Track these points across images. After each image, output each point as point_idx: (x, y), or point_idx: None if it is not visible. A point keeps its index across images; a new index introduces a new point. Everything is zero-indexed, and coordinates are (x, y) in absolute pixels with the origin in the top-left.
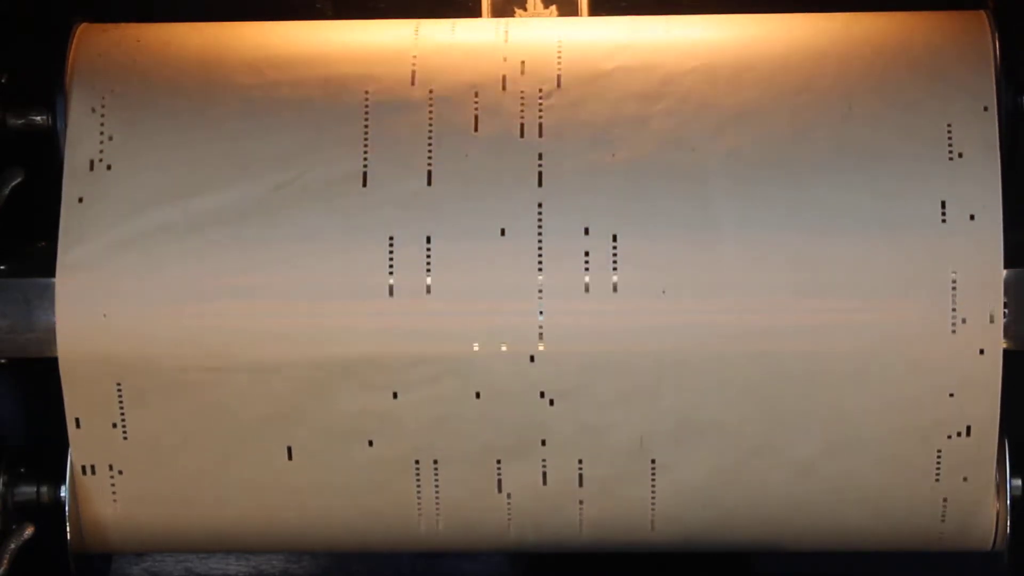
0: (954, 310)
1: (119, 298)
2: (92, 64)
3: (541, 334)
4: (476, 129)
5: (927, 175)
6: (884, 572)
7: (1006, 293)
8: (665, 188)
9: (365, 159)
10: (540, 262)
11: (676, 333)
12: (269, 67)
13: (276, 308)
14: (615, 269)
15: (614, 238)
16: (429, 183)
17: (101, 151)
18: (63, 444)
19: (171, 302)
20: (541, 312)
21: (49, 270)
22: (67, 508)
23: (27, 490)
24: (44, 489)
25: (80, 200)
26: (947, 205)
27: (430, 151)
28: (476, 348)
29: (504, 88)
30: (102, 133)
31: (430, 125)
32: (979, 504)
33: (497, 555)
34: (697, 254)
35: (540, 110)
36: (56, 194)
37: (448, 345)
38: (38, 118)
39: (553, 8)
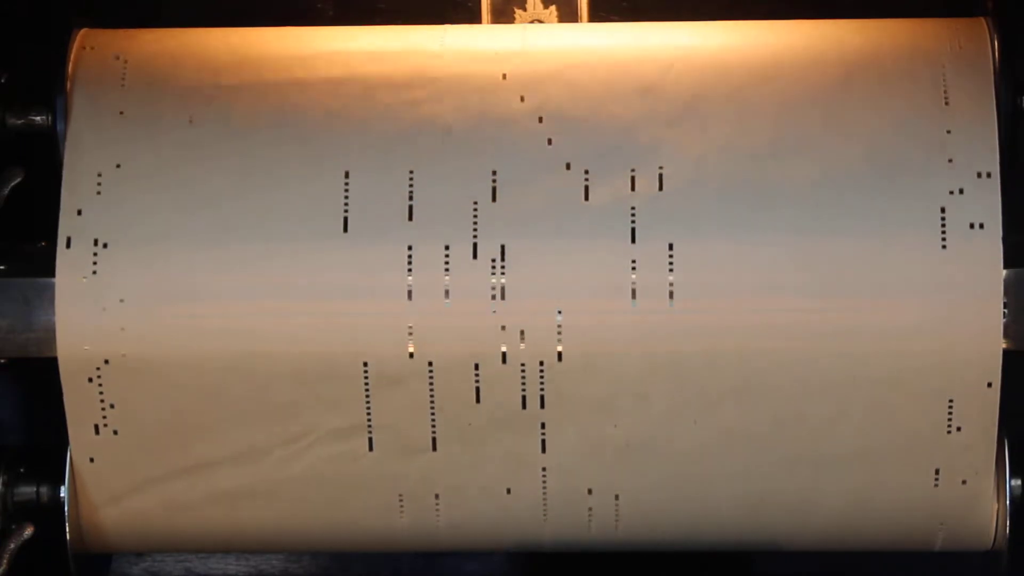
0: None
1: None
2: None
3: None
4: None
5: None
6: (884, 572)
7: (1006, 293)
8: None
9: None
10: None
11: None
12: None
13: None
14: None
15: (616, 497)
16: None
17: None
18: (63, 444)
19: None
20: None
21: (49, 270)
22: (67, 508)
23: (27, 490)
24: (44, 489)
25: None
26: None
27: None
28: None
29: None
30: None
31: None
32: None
33: (497, 555)
34: None
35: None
36: (56, 194)
37: None
38: (38, 118)
39: (553, 8)
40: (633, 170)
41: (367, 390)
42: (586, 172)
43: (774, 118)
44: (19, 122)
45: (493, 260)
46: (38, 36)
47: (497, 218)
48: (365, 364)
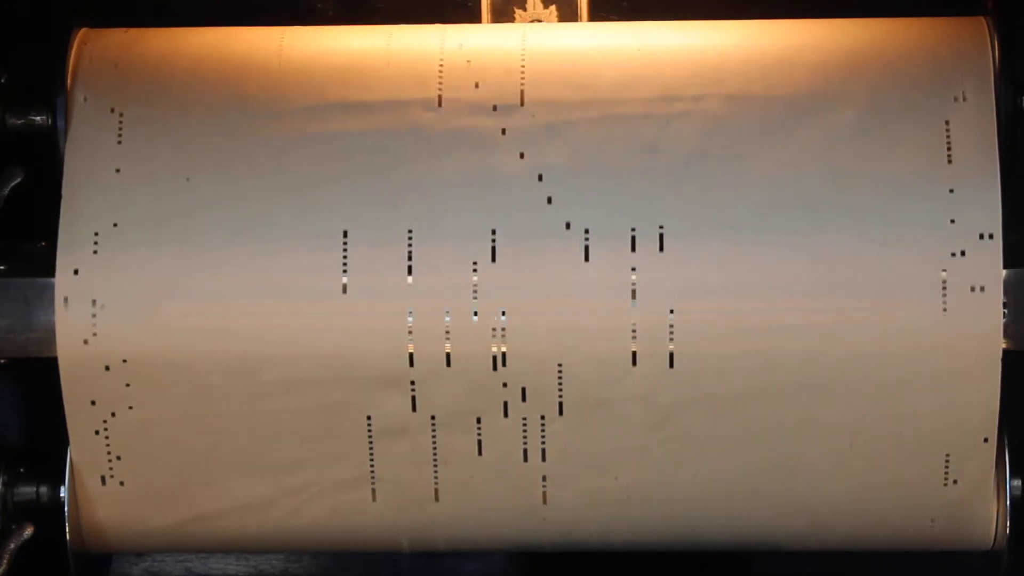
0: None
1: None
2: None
3: None
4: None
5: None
6: (884, 572)
7: (1006, 293)
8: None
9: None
10: None
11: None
12: None
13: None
14: None
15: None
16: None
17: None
18: (63, 444)
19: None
20: None
21: (49, 270)
22: (67, 508)
23: (27, 490)
24: (44, 489)
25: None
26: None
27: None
28: None
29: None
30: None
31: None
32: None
33: (497, 555)
34: None
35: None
36: (56, 194)
37: None
38: (38, 118)
39: (553, 8)
40: (633, 230)
41: (371, 443)
42: (586, 232)
43: (774, 177)
44: (19, 122)
45: (493, 328)
46: (38, 36)
47: (497, 279)
48: (369, 418)
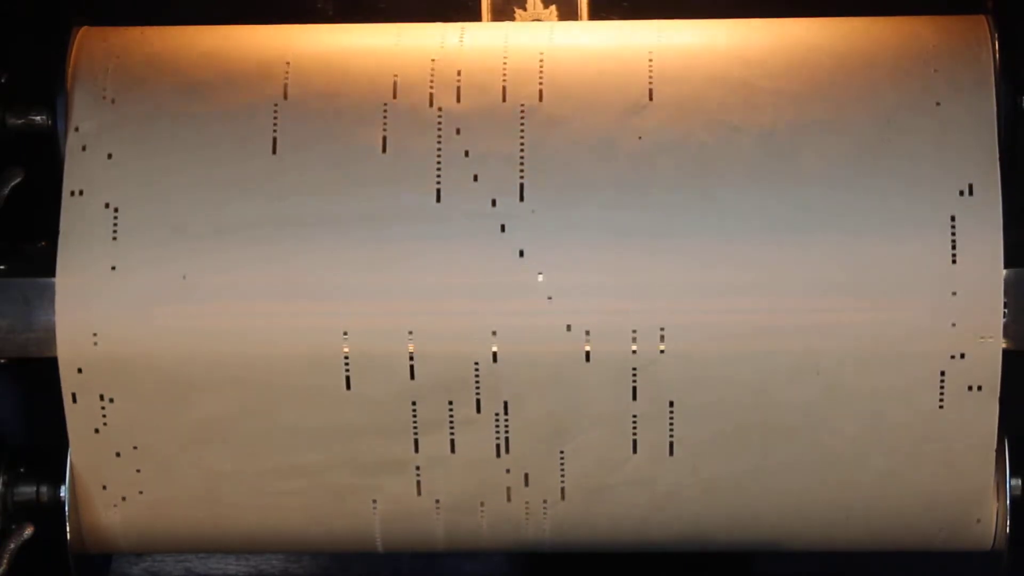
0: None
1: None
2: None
3: None
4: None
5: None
6: (884, 572)
7: (1006, 293)
8: None
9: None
10: None
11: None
12: None
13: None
14: None
15: None
16: None
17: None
18: (63, 444)
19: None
20: None
21: (49, 270)
22: (67, 508)
23: (27, 490)
24: (44, 489)
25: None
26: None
27: None
28: None
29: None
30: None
31: None
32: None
33: (497, 555)
34: None
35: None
36: (56, 194)
37: None
38: (38, 118)
39: (553, 8)
40: (634, 331)
41: (375, 510)
42: (587, 333)
43: (771, 288)
44: (19, 122)
45: (496, 415)
46: (38, 36)
47: (499, 378)
48: (374, 500)
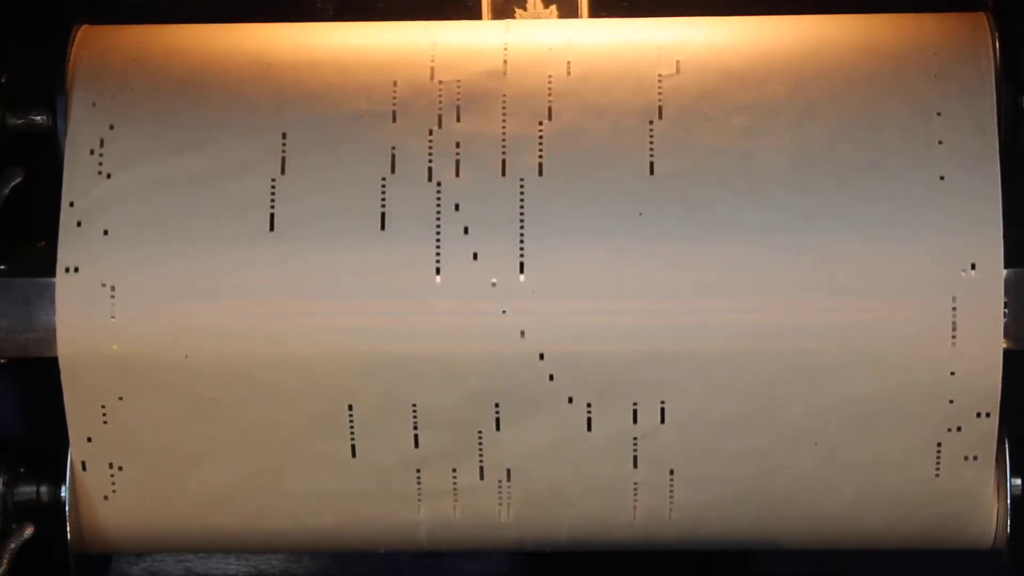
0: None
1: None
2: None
3: None
4: None
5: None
6: (884, 572)
7: (1006, 293)
8: None
9: None
10: None
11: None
12: None
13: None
14: None
15: None
16: None
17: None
18: (63, 444)
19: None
20: None
21: (49, 270)
22: (67, 508)
23: (27, 490)
24: (44, 489)
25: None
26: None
27: None
28: None
29: None
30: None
31: None
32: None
33: (497, 555)
34: None
35: None
36: (56, 194)
37: None
38: (38, 118)
39: (553, 8)
40: (635, 404)
41: None
42: (588, 406)
43: (770, 369)
44: (19, 122)
45: (500, 482)
46: (38, 36)
47: (502, 446)
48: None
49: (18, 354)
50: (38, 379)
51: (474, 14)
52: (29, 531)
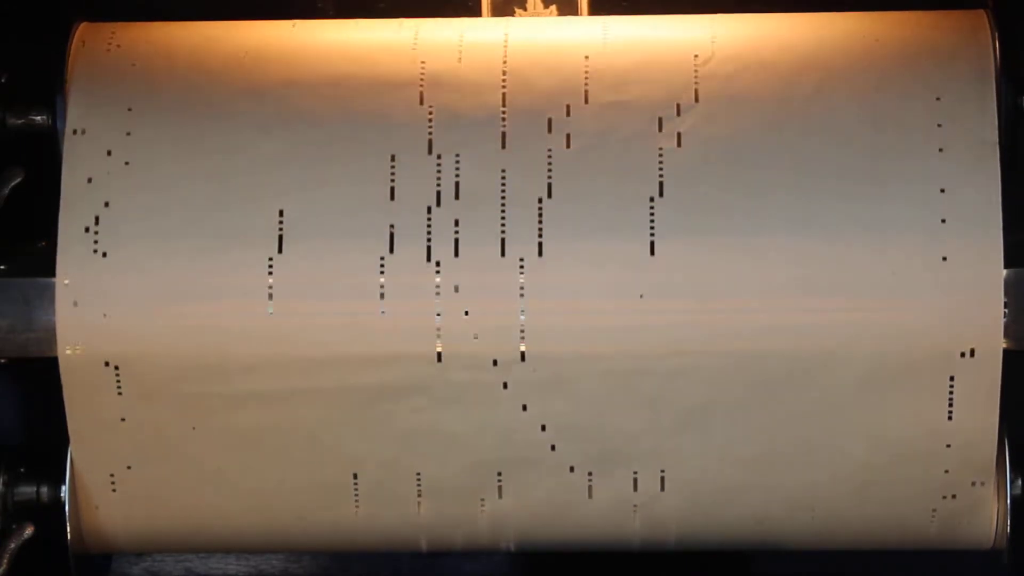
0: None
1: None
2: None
3: None
4: None
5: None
6: (884, 572)
7: (1006, 293)
8: None
9: None
10: None
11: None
12: None
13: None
14: None
15: None
16: None
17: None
18: (63, 444)
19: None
20: None
21: (49, 270)
22: (67, 508)
23: (27, 490)
24: (44, 489)
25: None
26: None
27: None
28: None
29: None
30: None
31: None
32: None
33: (497, 555)
34: None
35: None
36: (56, 194)
37: None
38: (38, 118)
39: (553, 8)
40: (635, 472)
41: None
42: (589, 474)
43: (775, 428)
44: (19, 122)
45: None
46: (38, 36)
47: (505, 513)
48: None
49: (18, 354)
50: (38, 379)
51: (474, 13)
52: (29, 531)
